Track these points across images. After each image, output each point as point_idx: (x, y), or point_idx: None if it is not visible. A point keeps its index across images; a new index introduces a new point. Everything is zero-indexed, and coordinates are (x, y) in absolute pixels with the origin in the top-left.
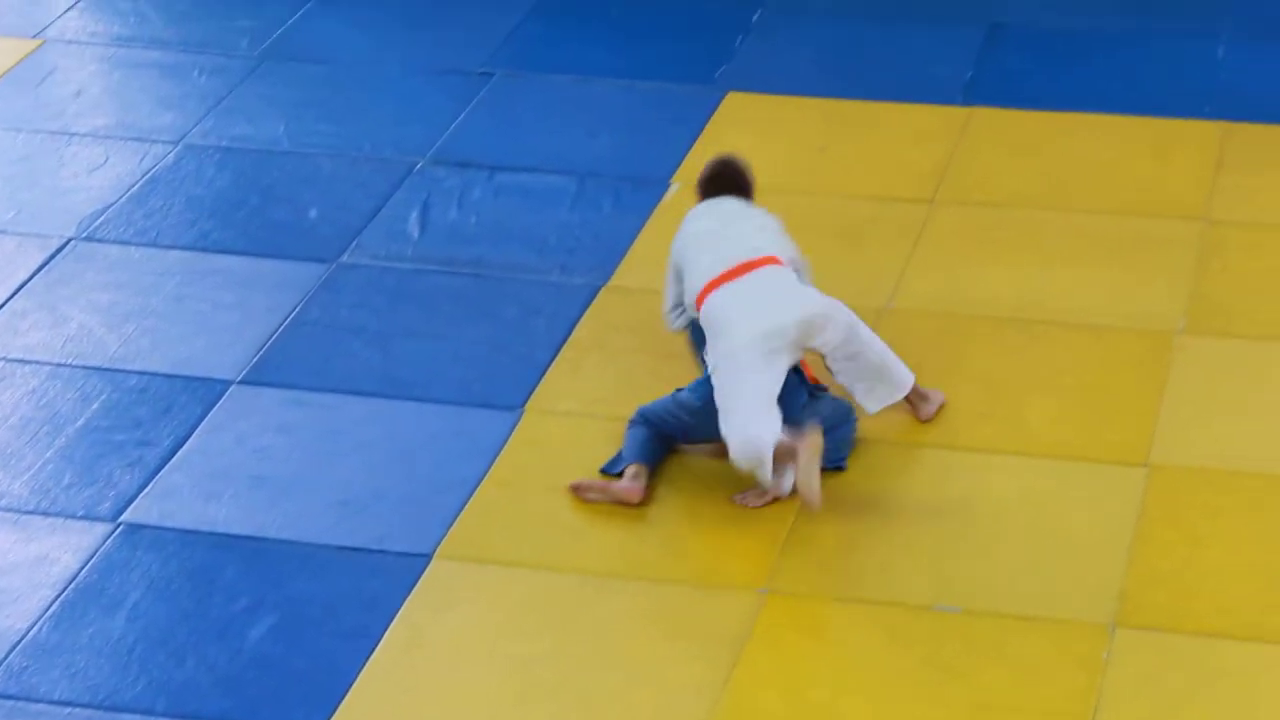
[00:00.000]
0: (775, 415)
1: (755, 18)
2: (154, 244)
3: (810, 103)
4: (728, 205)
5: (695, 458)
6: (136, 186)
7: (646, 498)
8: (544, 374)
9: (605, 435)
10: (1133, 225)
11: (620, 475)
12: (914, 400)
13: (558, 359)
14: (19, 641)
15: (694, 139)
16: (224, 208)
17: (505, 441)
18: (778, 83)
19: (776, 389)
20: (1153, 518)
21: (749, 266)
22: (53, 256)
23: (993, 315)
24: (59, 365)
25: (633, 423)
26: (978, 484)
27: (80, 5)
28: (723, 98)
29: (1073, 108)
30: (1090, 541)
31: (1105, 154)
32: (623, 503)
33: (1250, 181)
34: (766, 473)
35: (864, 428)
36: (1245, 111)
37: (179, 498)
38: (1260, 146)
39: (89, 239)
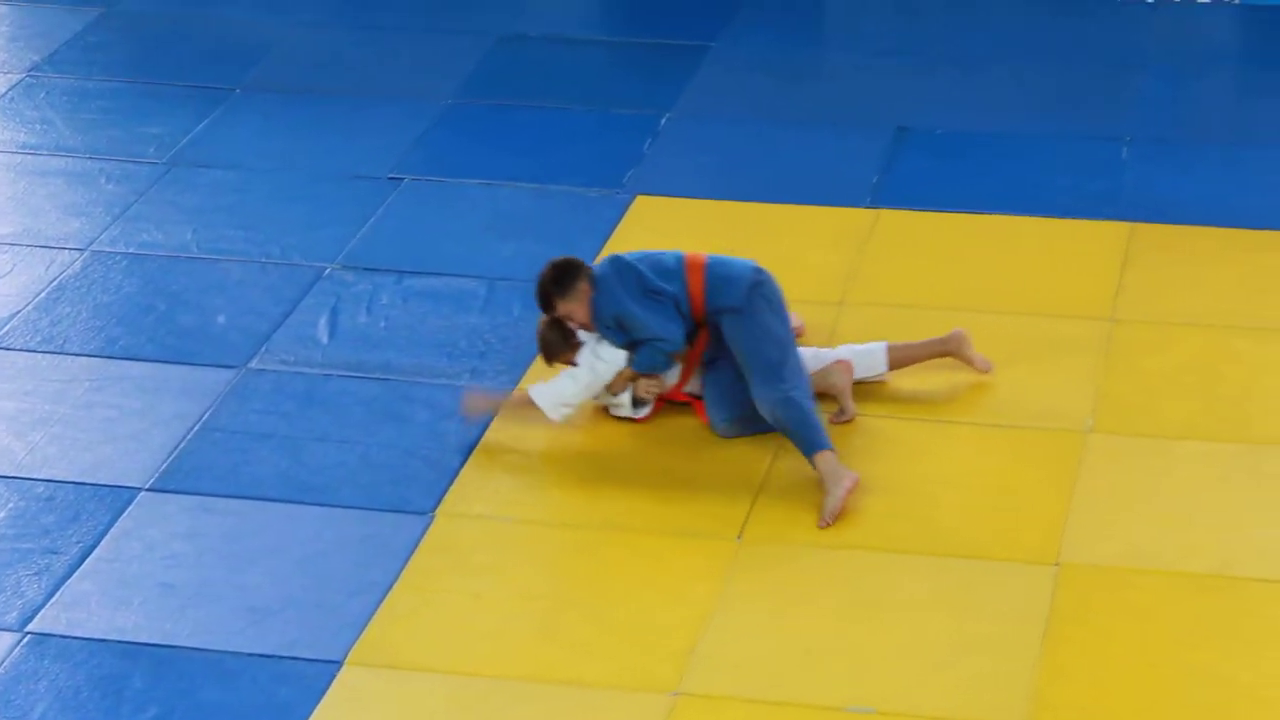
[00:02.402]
0: None
1: (663, 122)
2: (61, 351)
3: (718, 206)
4: None
5: (611, 550)
6: (43, 294)
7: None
8: (455, 478)
9: (517, 538)
10: (1040, 325)
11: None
12: None
13: (469, 463)
14: None
15: (603, 242)
16: (132, 314)
17: (416, 546)
18: (686, 186)
19: None
20: (1063, 616)
21: None
22: None
23: (901, 416)
24: None
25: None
26: (889, 584)
27: None
28: (631, 201)
29: (979, 210)
30: (1001, 640)
31: (1012, 255)
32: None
33: (1155, 281)
34: None
35: (778, 531)
36: (1149, 213)
37: (86, 606)
38: (1164, 247)
39: None
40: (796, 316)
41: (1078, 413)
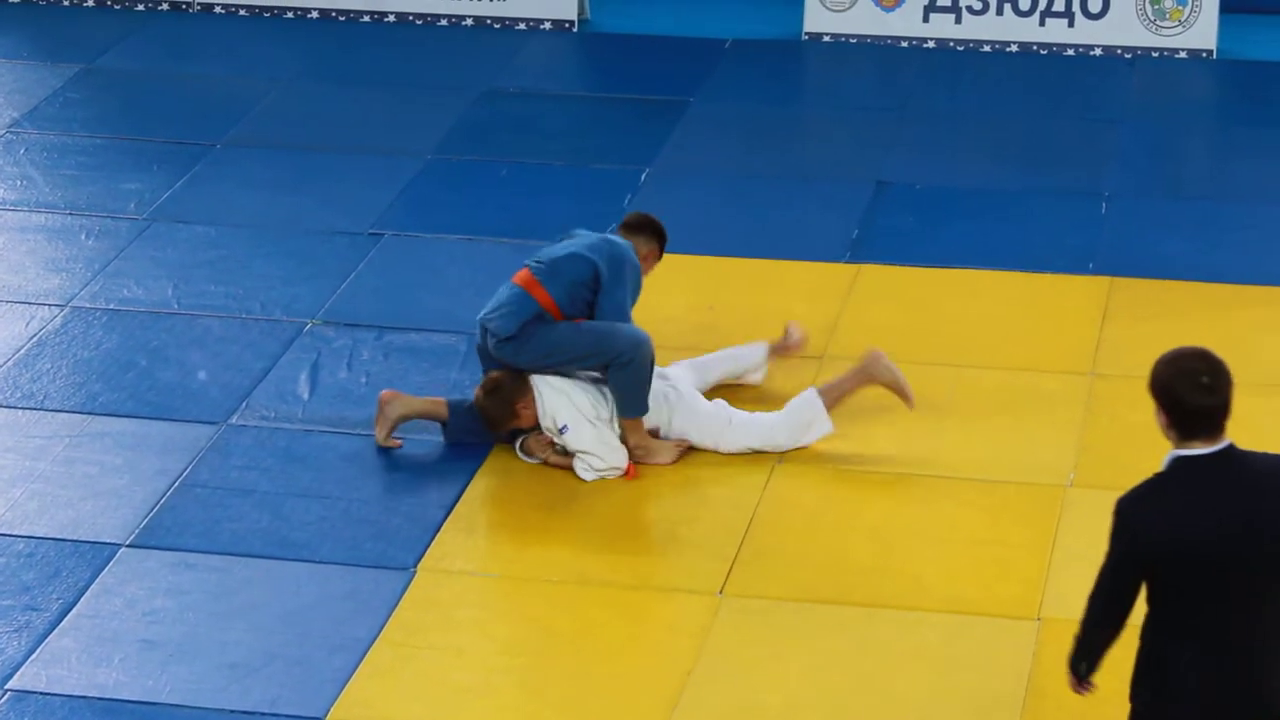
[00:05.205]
0: None
1: (644, 177)
2: (41, 407)
3: (700, 261)
4: None
5: (593, 606)
6: (23, 350)
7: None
8: (436, 533)
9: (499, 593)
10: (1021, 380)
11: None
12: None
13: (450, 518)
14: None
15: None
16: (112, 370)
17: (398, 602)
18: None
19: None
20: (1046, 671)
21: None
22: None
23: (884, 470)
24: None
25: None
26: (870, 638)
27: None
28: None
29: (959, 264)
30: (984, 696)
31: (992, 310)
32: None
33: (1135, 335)
34: None
35: (759, 586)
36: (1128, 267)
37: (67, 663)
38: (1144, 301)
39: None
40: (798, 328)
41: (1060, 467)
